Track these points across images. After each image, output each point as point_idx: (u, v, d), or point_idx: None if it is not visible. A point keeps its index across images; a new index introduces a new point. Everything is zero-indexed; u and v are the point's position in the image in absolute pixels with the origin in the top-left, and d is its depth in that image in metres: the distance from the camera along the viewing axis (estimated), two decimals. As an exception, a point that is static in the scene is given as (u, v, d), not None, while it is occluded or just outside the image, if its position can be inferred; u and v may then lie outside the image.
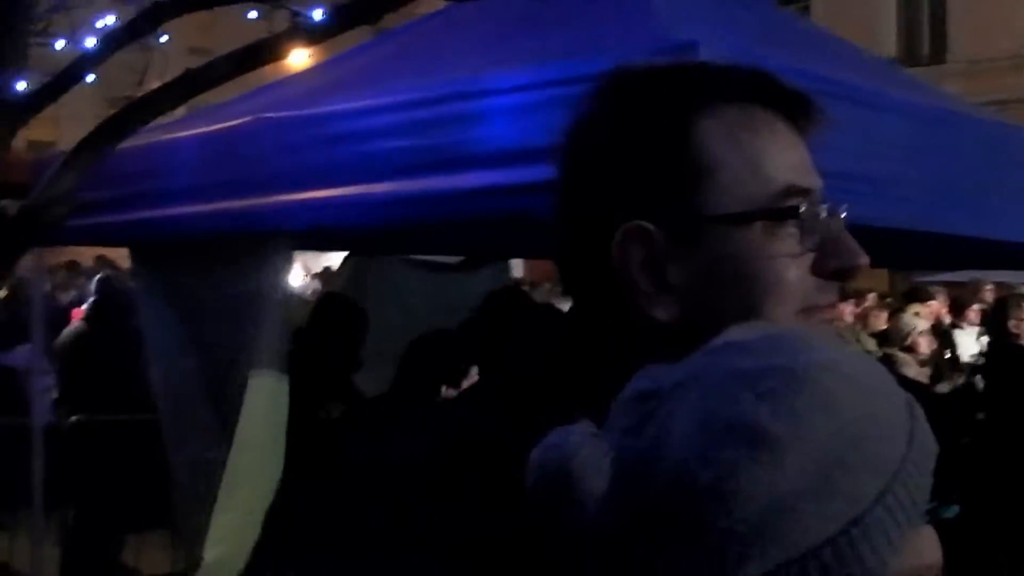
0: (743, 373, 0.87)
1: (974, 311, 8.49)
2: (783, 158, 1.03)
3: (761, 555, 0.81)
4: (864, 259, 1.05)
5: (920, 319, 7.21)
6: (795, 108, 1.06)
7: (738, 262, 1.00)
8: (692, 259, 1.01)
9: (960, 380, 6.59)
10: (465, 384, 4.11)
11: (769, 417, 0.83)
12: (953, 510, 4.42)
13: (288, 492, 3.91)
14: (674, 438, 0.84)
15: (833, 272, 1.03)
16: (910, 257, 4.98)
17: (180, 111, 4.87)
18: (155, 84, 4.42)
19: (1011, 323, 6.40)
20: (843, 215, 1.06)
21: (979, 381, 6.15)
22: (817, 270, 1.03)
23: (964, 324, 8.35)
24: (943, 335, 7.93)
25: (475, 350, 3.95)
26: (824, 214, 1.04)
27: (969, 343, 7.83)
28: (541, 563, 0.93)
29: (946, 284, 9.55)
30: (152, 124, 3.99)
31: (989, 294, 9.05)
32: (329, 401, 4.66)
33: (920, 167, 3.39)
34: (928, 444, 0.90)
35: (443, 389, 4.10)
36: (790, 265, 1.01)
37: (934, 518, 0.96)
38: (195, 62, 4.05)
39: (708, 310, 1.00)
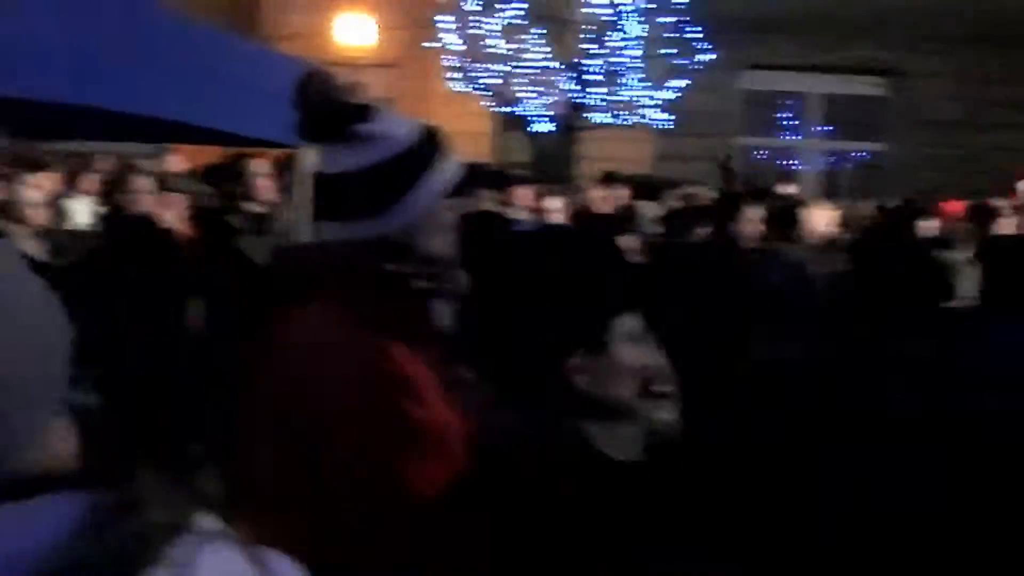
0: None
1: (90, 181, 8.47)
2: None
3: None
4: None
5: (35, 190, 6.95)
6: None
7: None
8: None
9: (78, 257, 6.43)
10: None
11: None
12: (92, 398, 4.37)
13: None
14: None
15: None
16: (32, 126, 4.79)
17: None
18: None
19: (125, 195, 6.45)
20: None
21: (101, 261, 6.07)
22: None
23: (79, 194, 8.29)
24: (58, 206, 7.78)
25: None
26: None
27: (84, 213, 7.80)
28: None
29: (61, 153, 9.38)
30: None
31: (103, 164, 9.11)
32: None
33: (52, 35, 3.21)
34: (59, 331, 0.87)
35: None
36: None
37: (74, 406, 0.95)
38: None
39: None
